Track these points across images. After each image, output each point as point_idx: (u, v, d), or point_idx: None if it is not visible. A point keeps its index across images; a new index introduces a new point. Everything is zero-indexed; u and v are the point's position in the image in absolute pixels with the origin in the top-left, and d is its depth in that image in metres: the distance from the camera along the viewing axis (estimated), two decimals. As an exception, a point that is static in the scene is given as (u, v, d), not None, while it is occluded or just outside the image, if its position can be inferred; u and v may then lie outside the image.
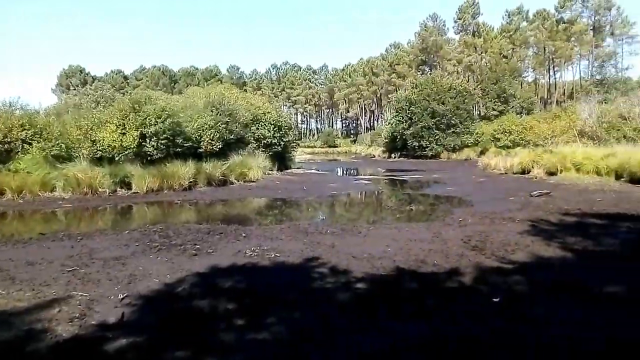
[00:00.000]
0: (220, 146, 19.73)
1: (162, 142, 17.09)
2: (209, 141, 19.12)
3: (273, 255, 6.77)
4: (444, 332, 3.93)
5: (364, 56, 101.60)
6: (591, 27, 62.65)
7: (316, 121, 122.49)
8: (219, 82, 70.12)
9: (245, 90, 67.80)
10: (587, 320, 4.14)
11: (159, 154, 17.06)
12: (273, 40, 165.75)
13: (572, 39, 62.71)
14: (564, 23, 63.12)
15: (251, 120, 23.86)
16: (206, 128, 19.18)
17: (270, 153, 24.15)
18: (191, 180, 16.61)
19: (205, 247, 7.46)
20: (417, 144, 42.73)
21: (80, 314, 4.42)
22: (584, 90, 56.50)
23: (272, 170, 23.45)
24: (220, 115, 20.62)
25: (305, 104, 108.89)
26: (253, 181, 19.29)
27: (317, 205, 14.08)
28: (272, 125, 24.84)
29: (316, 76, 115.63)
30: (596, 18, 62.90)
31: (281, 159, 26.19)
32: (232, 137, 20.91)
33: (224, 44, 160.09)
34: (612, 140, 25.17)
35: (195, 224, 9.94)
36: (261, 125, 24.38)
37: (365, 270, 5.93)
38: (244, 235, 8.44)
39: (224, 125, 20.20)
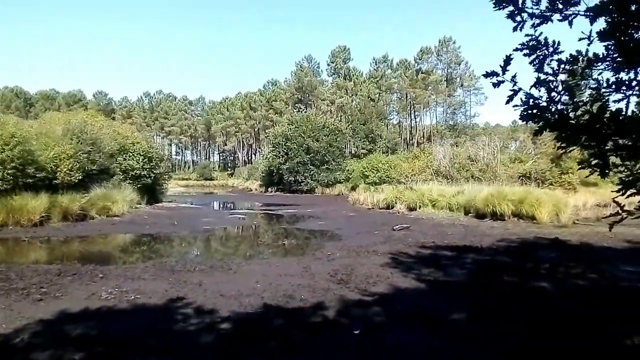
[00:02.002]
0: (81, 177, 18.11)
1: (9, 171, 15.15)
2: (67, 172, 17.45)
3: (133, 297, 6.32)
4: (305, 368, 3.99)
5: (242, 90, 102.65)
6: (445, 79, 71.13)
7: (192, 153, 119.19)
8: (84, 108, 65.10)
9: (114, 118, 63.85)
10: (433, 347, 4.53)
11: (4, 185, 15.06)
12: (146, 67, 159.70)
13: (430, 87, 70.49)
14: (422, 73, 70.87)
15: (118, 150, 22.37)
16: (64, 157, 17.50)
17: (138, 185, 22.78)
18: (43, 214, 14.90)
19: (54, 290, 6.70)
20: (293, 178, 43.70)
21: None
22: (440, 133, 63.43)
23: (140, 204, 22.08)
24: (81, 143, 19.00)
25: (180, 135, 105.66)
26: (118, 216, 17.95)
27: (187, 241, 13.54)
28: (142, 156, 23.55)
29: (192, 107, 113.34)
30: (448, 70, 71.82)
31: (151, 192, 24.84)
32: (94, 167, 19.33)
33: (91, 69, 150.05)
34: (462, 180, 28.39)
35: (44, 264, 8.90)
36: (129, 156, 22.97)
37: (233, 308, 5.82)
38: (101, 275, 7.76)
39: (85, 155, 18.62)
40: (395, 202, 23.14)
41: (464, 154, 33.26)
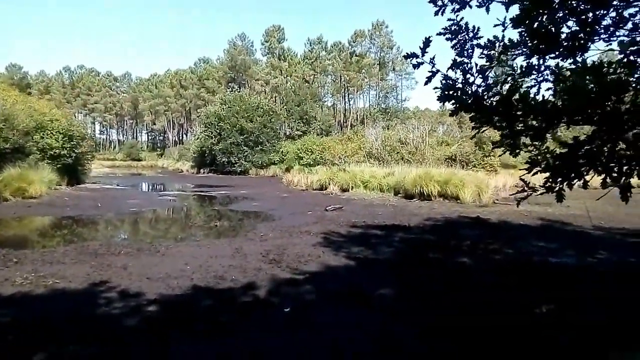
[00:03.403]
0: (-9, 157, 16.71)
1: None
2: (-25, 150, 16.02)
3: (51, 282, 5.97)
4: (234, 348, 3.99)
5: (171, 67, 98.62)
6: (377, 62, 72.37)
7: (118, 132, 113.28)
8: (-6, 81, 59.67)
9: (30, 94, 59.24)
10: (361, 323, 4.69)
11: None
12: (65, 41, 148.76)
13: (363, 71, 71.42)
14: (356, 56, 71.57)
15: (34, 127, 20.78)
16: (-29, 135, 16.04)
17: (58, 165, 21.36)
18: (-53, 197, 13.62)
19: (-41, 278, 6.17)
20: (226, 159, 42.88)
21: None
22: (372, 117, 64.74)
23: (60, 185, 20.77)
24: (-9, 120, 17.47)
25: (104, 112, 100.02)
26: (35, 197, 16.74)
27: (112, 223, 12.94)
28: (62, 135, 22.03)
29: (118, 84, 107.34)
30: (381, 54, 73.07)
31: (72, 173, 23.40)
32: (7, 146, 17.87)
33: (2, 41, 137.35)
34: (393, 162, 29.26)
35: (-52, 251, 8.15)
36: (47, 134, 21.41)
37: (160, 291, 5.67)
38: (15, 260, 7.25)
39: (-4, 132, 17.17)
40: (329, 184, 23.45)
41: (394, 136, 34.20)
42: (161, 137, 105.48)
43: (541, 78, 2.98)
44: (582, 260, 8.03)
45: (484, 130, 3.07)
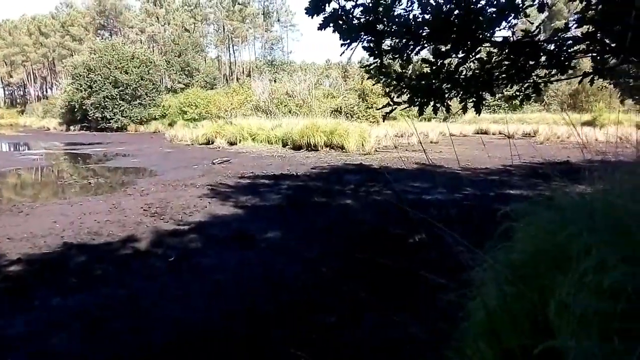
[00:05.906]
0: None
1: None
2: None
3: None
4: (110, 296, 3.77)
5: (27, 12, 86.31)
6: (262, 12, 70.34)
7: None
8: None
9: None
10: (245, 262, 4.70)
11: None
12: None
13: (247, 20, 69.03)
14: (239, 4, 68.70)
15: None
16: None
17: None
18: None
19: None
20: (100, 115, 39.20)
21: None
22: (259, 69, 63.41)
23: None
24: None
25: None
26: None
27: (-38, 186, 11.31)
28: None
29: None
30: (265, 4, 71.08)
31: None
32: None
33: None
34: (280, 114, 29.19)
35: None
36: None
37: (24, 251, 5.11)
38: None
39: None
40: (216, 137, 22.78)
41: (281, 89, 34.01)
42: (21, 92, 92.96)
43: (410, 5, 3.05)
44: (449, 196, 8.85)
45: (353, 50, 3.10)
